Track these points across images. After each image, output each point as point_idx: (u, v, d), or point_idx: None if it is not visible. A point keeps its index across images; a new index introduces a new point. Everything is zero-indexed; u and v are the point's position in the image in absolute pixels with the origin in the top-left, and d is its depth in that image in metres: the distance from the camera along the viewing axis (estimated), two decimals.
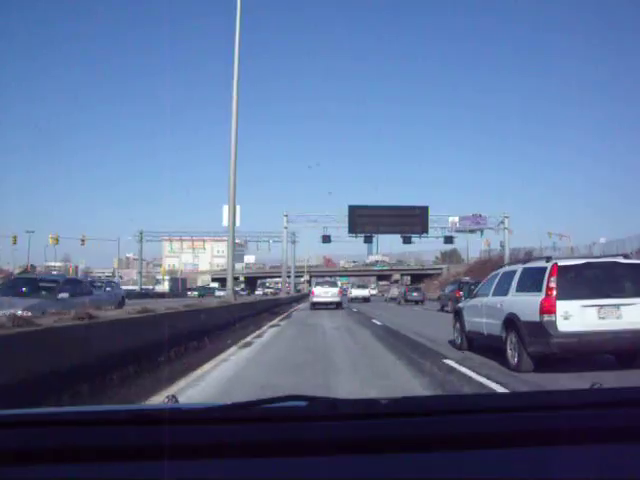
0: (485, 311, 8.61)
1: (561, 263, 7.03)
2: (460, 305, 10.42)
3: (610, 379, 6.42)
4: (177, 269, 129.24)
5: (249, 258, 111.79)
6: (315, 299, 28.37)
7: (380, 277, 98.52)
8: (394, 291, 46.97)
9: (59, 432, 1.17)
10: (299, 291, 71.53)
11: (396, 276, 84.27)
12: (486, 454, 1.16)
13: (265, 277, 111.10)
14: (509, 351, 7.40)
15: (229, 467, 1.10)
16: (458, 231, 51.22)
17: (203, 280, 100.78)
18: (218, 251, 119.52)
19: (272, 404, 1.28)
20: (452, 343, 10.24)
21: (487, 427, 1.23)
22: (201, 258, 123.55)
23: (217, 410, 1.31)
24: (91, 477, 1.09)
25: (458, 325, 9.97)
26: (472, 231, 51.94)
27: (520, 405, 1.39)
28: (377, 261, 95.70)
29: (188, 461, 1.11)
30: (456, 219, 50.46)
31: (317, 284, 31.40)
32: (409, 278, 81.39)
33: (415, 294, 38.46)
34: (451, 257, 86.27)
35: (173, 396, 1.67)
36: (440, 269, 78.52)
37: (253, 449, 1.14)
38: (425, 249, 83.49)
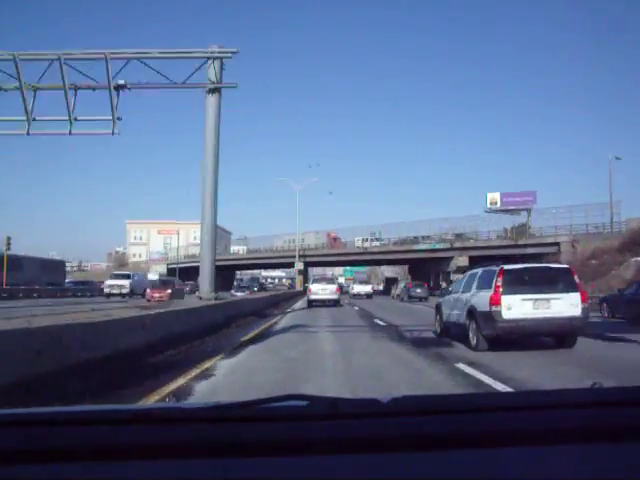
0: (456, 304, 10.89)
1: (506, 267, 9.32)
2: (439, 300, 12.73)
3: (545, 355, 8.70)
4: (130, 260, 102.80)
5: (239, 249, 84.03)
6: (312, 296, 27.38)
7: (421, 264, 57.71)
8: (401, 286, 44.13)
9: (59, 432, 1.19)
10: (249, 290, 43.30)
11: (461, 260, 47.48)
12: (486, 453, 1.17)
13: (248, 267, 79.93)
14: (470, 335, 9.66)
15: (229, 467, 1.12)
16: None
17: (156, 271, 78.14)
18: (195, 237, 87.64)
19: (272, 404, 1.30)
20: (434, 332, 12.51)
21: (487, 426, 1.25)
22: (174, 246, 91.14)
23: (217, 409, 1.32)
24: (91, 477, 1.10)
25: (438, 317, 12.26)
26: None
27: (520, 404, 1.41)
28: (422, 237, 54.82)
29: (188, 460, 1.13)
30: None
31: (314, 281, 29.83)
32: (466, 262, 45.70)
33: (419, 290, 37.96)
34: (522, 233, 47.83)
35: (174, 395, 1.81)
36: (554, 245, 41.85)
37: (253, 449, 1.15)
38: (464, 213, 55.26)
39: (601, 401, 1.39)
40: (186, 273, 73.02)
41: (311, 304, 27.04)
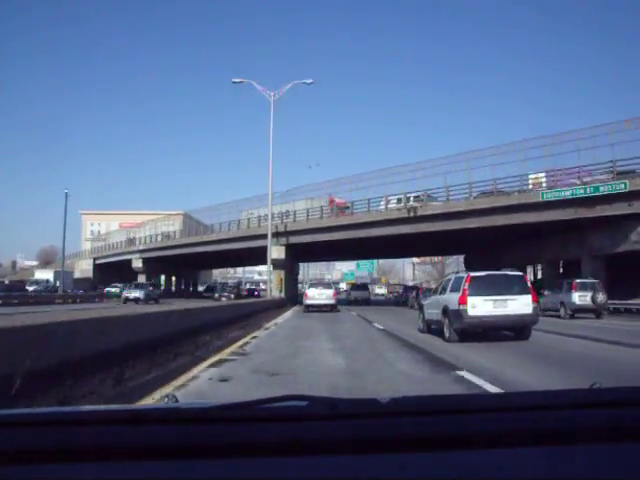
0: (434, 305, 13.09)
1: (472, 274, 11.53)
2: (422, 302, 14.95)
3: (504, 345, 10.87)
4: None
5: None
6: (309, 301, 27.41)
7: (528, 244, 31.77)
8: (412, 294, 37.71)
9: (59, 432, 1.21)
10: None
11: None
12: (487, 454, 1.18)
13: (200, 260, 54.21)
14: (445, 329, 11.85)
15: (229, 467, 1.13)
16: None
17: (82, 270, 61.74)
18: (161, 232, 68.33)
19: (272, 404, 1.31)
20: (419, 329, 14.71)
21: (488, 427, 1.25)
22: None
23: (217, 410, 1.33)
24: (90, 477, 1.11)
25: (421, 315, 14.47)
26: None
27: (521, 405, 1.42)
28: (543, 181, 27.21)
29: (187, 461, 1.14)
30: None
31: (311, 285, 29.69)
32: None
33: None
34: None
35: (173, 396, 1.70)
36: None
37: (253, 449, 1.16)
38: None
39: (600, 401, 1.40)
40: (116, 270, 55.63)
41: (308, 309, 27.30)
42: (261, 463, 1.13)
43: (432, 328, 13.58)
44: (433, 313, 13.14)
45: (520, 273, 11.86)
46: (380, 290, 66.18)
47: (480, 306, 11.13)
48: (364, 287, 44.86)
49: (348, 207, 35.65)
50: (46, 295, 39.78)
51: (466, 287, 11.27)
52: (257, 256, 39.34)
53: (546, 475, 1.14)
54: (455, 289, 11.83)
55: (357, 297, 39.84)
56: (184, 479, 1.12)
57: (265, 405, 1.32)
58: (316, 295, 27.44)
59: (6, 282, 46.85)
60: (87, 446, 1.15)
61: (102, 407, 2.29)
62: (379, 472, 1.11)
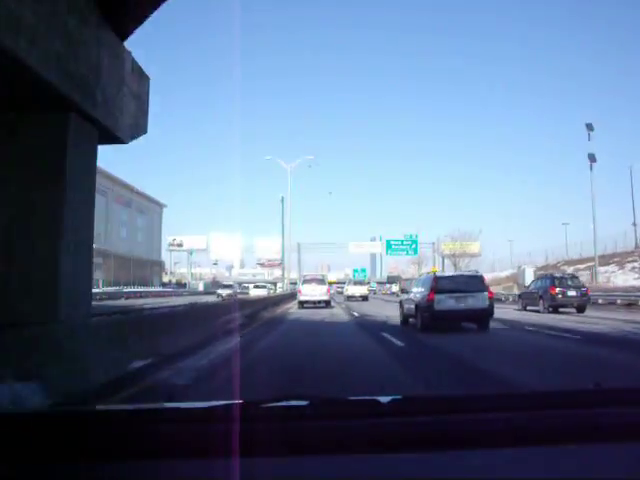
0: (410, 300, 15.37)
1: (438, 275, 13.80)
2: (401, 298, 17.25)
3: (469, 334, 13.14)
4: None
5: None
6: (303, 297, 27.59)
7: None
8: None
9: (60, 432, 1.22)
10: None
11: None
12: (487, 454, 1.19)
13: None
14: (418, 320, 14.13)
15: (228, 467, 1.13)
16: None
17: None
18: None
19: (272, 403, 1.33)
20: (401, 322, 17.00)
21: (488, 427, 1.27)
22: None
23: (216, 409, 1.35)
24: (90, 477, 1.14)
25: (401, 310, 16.76)
26: None
27: (522, 405, 1.43)
28: None
29: (187, 461, 1.16)
30: None
31: (304, 282, 29.48)
32: None
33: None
34: None
35: (174, 395, 1.60)
36: None
37: (252, 449, 1.17)
38: None
39: (601, 401, 1.43)
40: None
41: (302, 305, 27.48)
42: (261, 463, 1.15)
43: (409, 320, 15.87)
44: (409, 308, 15.41)
45: (480, 274, 14.22)
46: (396, 288, 63.66)
47: (445, 301, 13.40)
48: (361, 283, 45.42)
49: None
50: None
51: (433, 286, 13.55)
52: None
53: (547, 475, 1.15)
54: (425, 287, 14.11)
55: (355, 293, 40.78)
56: (183, 478, 1.14)
57: (265, 405, 1.34)
58: (310, 291, 27.66)
59: None
60: (87, 446, 1.18)
61: (100, 407, 2.33)
62: (379, 472, 1.13)
